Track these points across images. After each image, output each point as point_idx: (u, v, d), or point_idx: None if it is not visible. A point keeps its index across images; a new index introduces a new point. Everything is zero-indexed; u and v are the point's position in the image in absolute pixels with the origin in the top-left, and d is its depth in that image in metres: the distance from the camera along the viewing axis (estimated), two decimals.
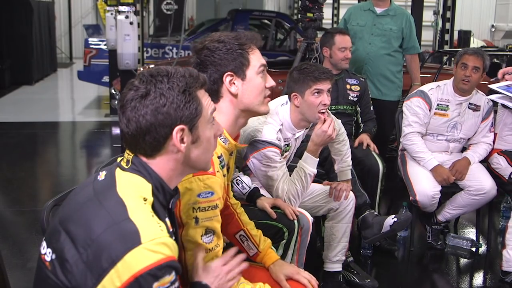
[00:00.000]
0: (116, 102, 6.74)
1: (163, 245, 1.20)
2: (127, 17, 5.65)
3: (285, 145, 2.67)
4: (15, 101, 9.42)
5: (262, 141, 2.55)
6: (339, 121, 2.99)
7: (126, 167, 1.33)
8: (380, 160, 3.46)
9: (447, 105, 3.52)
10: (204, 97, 1.36)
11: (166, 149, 1.31)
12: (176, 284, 1.23)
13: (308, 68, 2.65)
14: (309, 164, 2.54)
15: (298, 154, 2.83)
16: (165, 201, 1.36)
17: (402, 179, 3.61)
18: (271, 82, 1.90)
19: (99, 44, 8.65)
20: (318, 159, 2.57)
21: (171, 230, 1.33)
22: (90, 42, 8.82)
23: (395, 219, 3.04)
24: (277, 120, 2.64)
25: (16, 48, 10.71)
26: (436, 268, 3.55)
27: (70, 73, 13.35)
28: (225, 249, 1.81)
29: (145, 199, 1.27)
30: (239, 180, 2.53)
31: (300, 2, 5.08)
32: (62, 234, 1.27)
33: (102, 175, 1.35)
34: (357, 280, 3.08)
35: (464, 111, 3.52)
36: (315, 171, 2.56)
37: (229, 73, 1.80)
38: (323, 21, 4.43)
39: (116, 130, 6.96)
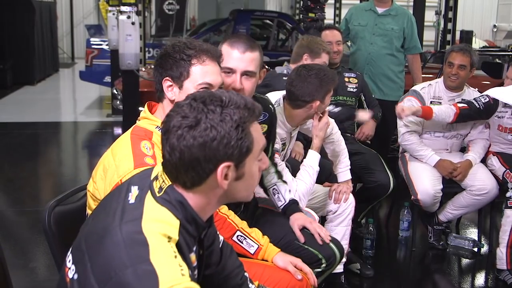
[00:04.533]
0: (118, 102, 6.73)
1: None
2: (129, 17, 5.64)
3: (282, 144, 2.64)
4: (17, 101, 9.44)
5: None
6: (332, 120, 2.93)
7: (158, 194, 1.25)
8: (392, 179, 3.41)
9: (440, 102, 3.55)
10: (257, 131, 1.25)
11: (207, 184, 1.23)
12: None
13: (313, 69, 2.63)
14: (316, 161, 2.56)
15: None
16: (196, 233, 1.29)
17: (404, 180, 3.61)
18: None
19: (101, 44, 8.68)
20: (320, 155, 2.60)
21: (194, 265, 1.27)
22: (92, 42, 8.84)
23: None
24: None
25: (18, 48, 10.73)
26: (437, 268, 3.55)
27: (72, 73, 13.36)
28: None
29: (169, 238, 1.19)
30: (276, 190, 2.42)
31: (302, 2, 5.06)
32: (85, 256, 1.22)
33: (132, 197, 1.27)
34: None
35: None
36: (318, 168, 2.59)
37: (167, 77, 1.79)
38: (325, 21, 4.43)
39: (118, 130, 6.96)
